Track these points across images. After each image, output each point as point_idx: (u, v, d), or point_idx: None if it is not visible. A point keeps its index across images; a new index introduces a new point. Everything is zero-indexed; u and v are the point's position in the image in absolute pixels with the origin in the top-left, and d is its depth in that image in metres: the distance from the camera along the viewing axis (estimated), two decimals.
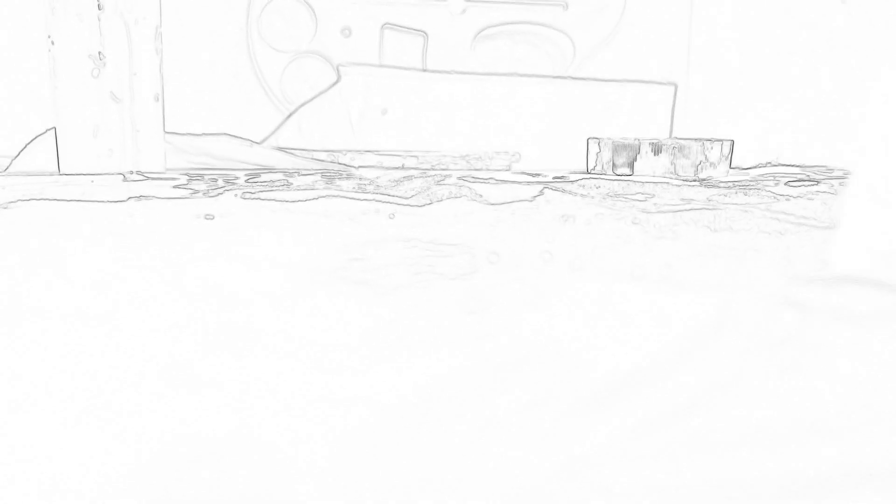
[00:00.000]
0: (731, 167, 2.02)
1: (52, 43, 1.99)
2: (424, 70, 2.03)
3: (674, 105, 2.01)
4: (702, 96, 2.03)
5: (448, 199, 1.98)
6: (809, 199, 1.96)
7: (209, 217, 1.95)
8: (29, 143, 1.99)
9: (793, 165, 2.03)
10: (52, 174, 2.01)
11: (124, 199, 1.95)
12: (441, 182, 1.98)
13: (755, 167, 2.04)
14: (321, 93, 2.02)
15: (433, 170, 1.99)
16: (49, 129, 2.00)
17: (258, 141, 2.01)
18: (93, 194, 1.95)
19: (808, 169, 2.02)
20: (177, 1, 2.00)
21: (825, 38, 1.99)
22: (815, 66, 1.98)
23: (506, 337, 1.90)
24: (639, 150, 1.98)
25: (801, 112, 2.01)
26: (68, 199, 1.95)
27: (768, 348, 1.85)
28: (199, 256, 1.93)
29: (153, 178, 1.98)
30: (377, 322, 1.92)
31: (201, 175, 1.98)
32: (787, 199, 1.96)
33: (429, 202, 1.97)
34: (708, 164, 1.98)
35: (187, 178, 1.99)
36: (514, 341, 1.91)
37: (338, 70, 2.03)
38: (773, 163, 2.01)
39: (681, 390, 1.85)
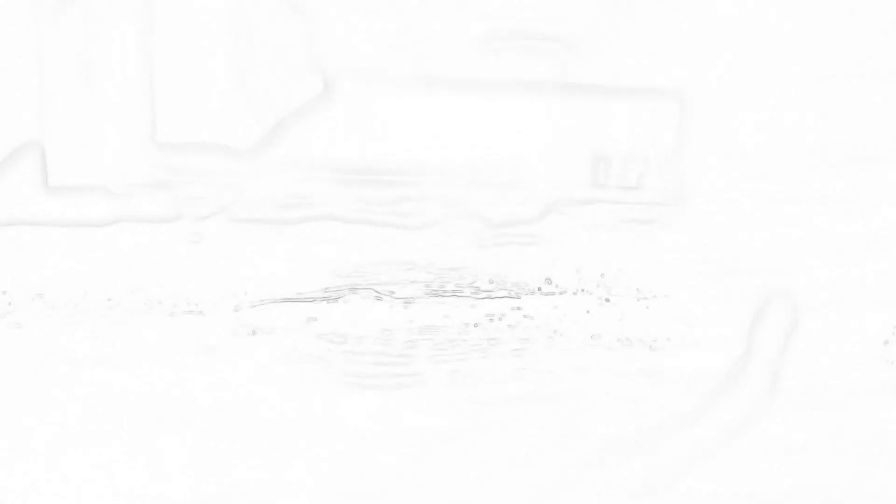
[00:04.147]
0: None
1: (39, 52, 1.90)
2: (420, 78, 1.92)
3: (681, 115, 1.90)
4: (711, 105, 1.91)
5: (447, 219, 1.90)
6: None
7: (197, 240, 1.89)
8: (11, 155, 1.92)
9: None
10: (36, 189, 1.94)
11: (110, 220, 1.90)
12: (439, 200, 1.90)
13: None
14: (311, 102, 1.93)
15: (430, 186, 1.91)
16: (34, 141, 1.93)
17: (246, 151, 1.92)
18: (77, 215, 1.89)
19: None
20: (165, 9, 1.90)
21: (840, 45, 1.86)
22: (829, 74, 1.86)
23: (510, 370, 1.86)
24: (647, 164, 1.89)
25: (812, 120, 1.89)
26: (53, 220, 1.90)
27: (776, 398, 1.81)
28: (187, 279, 1.88)
29: (140, 195, 1.91)
30: (373, 348, 1.88)
31: (190, 195, 1.91)
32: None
33: (427, 222, 1.90)
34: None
35: (175, 197, 1.91)
36: (516, 372, 1.87)
37: (330, 78, 1.93)
38: None
39: (691, 439, 1.82)
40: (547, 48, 1.90)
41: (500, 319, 1.90)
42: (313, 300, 1.89)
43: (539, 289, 1.90)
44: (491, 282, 1.90)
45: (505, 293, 1.90)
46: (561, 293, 1.89)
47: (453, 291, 1.89)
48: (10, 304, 1.86)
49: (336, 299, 1.89)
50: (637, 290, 1.89)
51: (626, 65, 1.90)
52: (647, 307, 1.89)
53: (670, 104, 1.90)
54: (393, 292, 1.89)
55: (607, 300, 1.89)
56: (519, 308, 1.89)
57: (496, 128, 1.91)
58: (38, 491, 1.86)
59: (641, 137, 1.90)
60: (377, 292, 1.89)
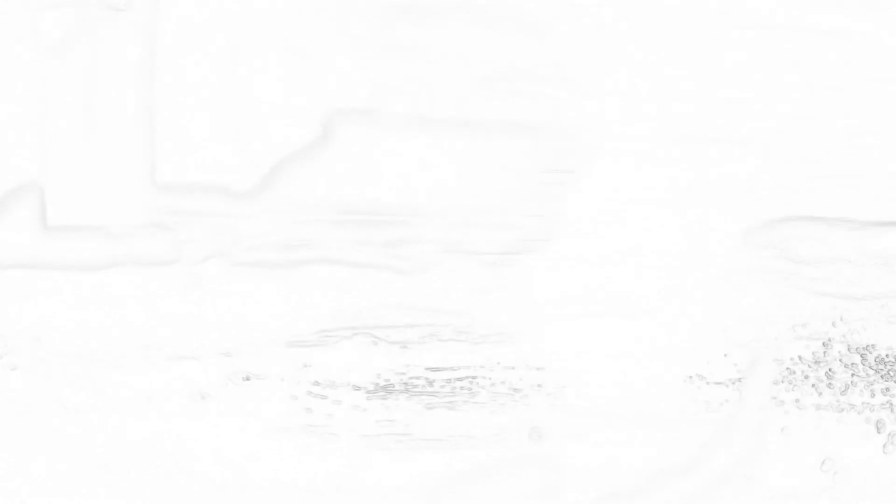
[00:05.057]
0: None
1: (40, 93, 1.91)
2: (418, 121, 1.91)
3: (680, 155, 1.89)
4: (710, 147, 1.90)
5: (446, 263, 1.89)
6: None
7: (196, 283, 1.88)
8: (10, 196, 1.92)
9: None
10: (35, 229, 1.93)
11: (109, 264, 1.89)
12: (437, 243, 1.89)
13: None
14: (310, 144, 1.92)
15: (429, 229, 1.90)
16: (33, 182, 1.92)
17: (245, 193, 1.92)
18: (75, 257, 1.88)
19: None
20: (166, 50, 1.90)
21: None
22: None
23: (504, 418, 1.85)
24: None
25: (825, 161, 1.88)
26: (51, 263, 1.89)
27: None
28: (184, 323, 1.88)
29: (138, 237, 1.91)
30: (369, 393, 1.86)
31: (188, 237, 1.90)
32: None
33: (426, 266, 1.89)
34: None
35: (174, 239, 1.91)
36: (510, 421, 1.85)
37: (328, 121, 1.92)
38: None
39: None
40: (543, 90, 1.89)
41: (497, 363, 1.88)
42: (310, 345, 1.88)
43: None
44: (489, 326, 1.89)
45: (502, 338, 1.89)
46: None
47: (451, 337, 1.88)
48: (6, 346, 1.86)
49: (333, 344, 1.88)
50: (632, 334, 1.88)
51: (621, 106, 1.89)
52: (645, 352, 1.88)
53: (669, 141, 1.89)
54: (390, 336, 1.88)
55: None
56: (517, 353, 1.88)
57: (494, 170, 1.90)
58: None
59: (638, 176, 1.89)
60: (374, 336, 1.88)
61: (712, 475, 1.86)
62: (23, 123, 1.90)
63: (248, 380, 1.86)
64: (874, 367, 1.82)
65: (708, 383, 1.86)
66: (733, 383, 1.85)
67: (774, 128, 1.90)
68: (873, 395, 1.82)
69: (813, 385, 1.84)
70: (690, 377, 1.86)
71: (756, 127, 1.91)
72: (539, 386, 1.88)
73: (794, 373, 1.84)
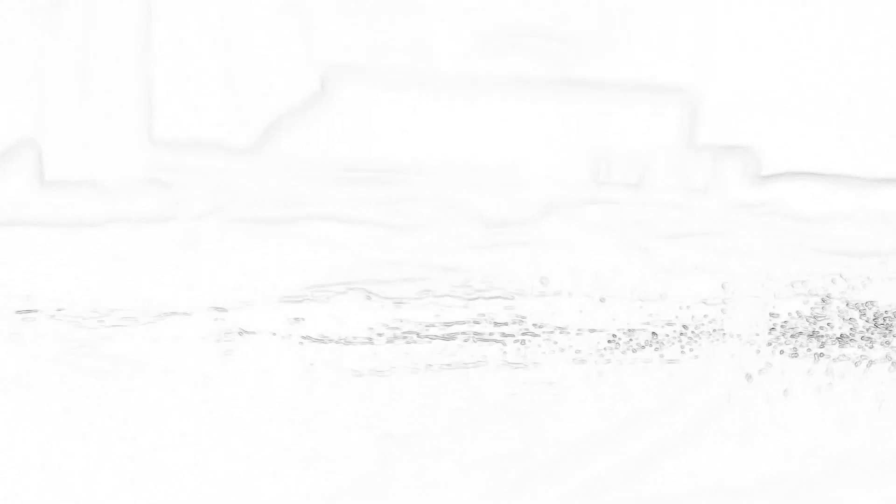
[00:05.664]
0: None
1: (36, 49, 1.90)
2: (418, 77, 1.90)
3: (686, 112, 1.87)
4: (717, 103, 1.88)
5: (443, 219, 1.88)
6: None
7: (195, 240, 1.88)
8: (8, 152, 1.92)
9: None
10: (32, 186, 1.93)
11: (105, 220, 1.89)
12: (436, 200, 1.89)
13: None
14: (308, 100, 1.91)
15: (427, 186, 1.89)
16: (30, 138, 1.92)
17: (243, 149, 1.91)
18: (72, 214, 1.88)
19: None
20: (162, 6, 1.89)
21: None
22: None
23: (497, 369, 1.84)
24: (650, 162, 1.86)
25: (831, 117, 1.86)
26: (47, 219, 1.89)
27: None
28: (183, 281, 1.87)
29: (135, 193, 1.90)
30: (359, 349, 1.86)
31: (186, 194, 1.89)
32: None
33: (423, 223, 1.88)
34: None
35: (171, 195, 1.90)
36: (502, 377, 1.85)
37: (327, 77, 1.91)
38: None
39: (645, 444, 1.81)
40: (547, 46, 1.88)
41: (493, 323, 1.88)
42: (304, 300, 1.88)
43: (533, 289, 1.88)
44: (484, 282, 1.89)
45: (498, 293, 1.88)
46: (555, 294, 1.87)
47: (446, 293, 1.88)
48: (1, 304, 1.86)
49: (326, 299, 1.88)
50: (632, 290, 1.87)
51: (629, 61, 1.88)
52: (641, 307, 1.87)
53: (674, 101, 1.88)
54: (384, 291, 1.88)
55: (602, 300, 1.87)
56: (512, 308, 1.88)
57: (495, 127, 1.90)
58: (27, 489, 1.86)
59: (644, 135, 1.88)
60: (368, 292, 1.88)
61: (692, 418, 1.86)
62: (19, 79, 1.90)
63: (241, 335, 1.86)
64: (873, 322, 1.81)
65: (696, 331, 1.86)
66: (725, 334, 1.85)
67: (776, 84, 1.89)
68: (872, 347, 1.82)
69: (811, 335, 1.84)
70: (683, 329, 1.86)
71: (760, 82, 1.89)
72: (533, 336, 1.87)
73: (794, 327, 1.84)
